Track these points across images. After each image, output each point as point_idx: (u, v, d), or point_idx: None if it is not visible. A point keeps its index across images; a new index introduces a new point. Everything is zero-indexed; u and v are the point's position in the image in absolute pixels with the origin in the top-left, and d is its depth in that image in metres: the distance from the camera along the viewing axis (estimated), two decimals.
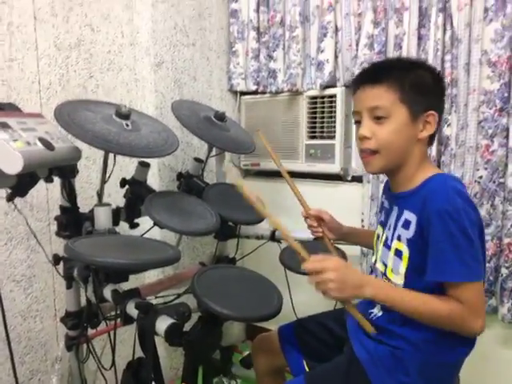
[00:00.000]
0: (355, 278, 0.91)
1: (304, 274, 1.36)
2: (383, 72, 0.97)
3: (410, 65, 1.00)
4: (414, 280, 0.95)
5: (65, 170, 1.18)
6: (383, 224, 1.08)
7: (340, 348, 1.13)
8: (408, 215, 0.96)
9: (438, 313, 0.90)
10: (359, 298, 0.92)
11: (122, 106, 1.26)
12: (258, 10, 2.01)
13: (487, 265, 1.54)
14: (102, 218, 1.19)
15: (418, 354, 0.95)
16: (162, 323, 0.99)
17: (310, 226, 1.28)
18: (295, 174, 2.08)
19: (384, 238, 1.05)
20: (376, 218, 1.70)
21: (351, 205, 1.87)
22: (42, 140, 1.01)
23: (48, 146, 1.01)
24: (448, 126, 1.58)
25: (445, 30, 1.55)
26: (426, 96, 0.96)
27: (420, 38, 1.61)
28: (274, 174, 2.16)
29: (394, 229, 1.00)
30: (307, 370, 1.20)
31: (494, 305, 1.56)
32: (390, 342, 0.98)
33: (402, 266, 0.96)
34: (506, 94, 1.46)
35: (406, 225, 0.96)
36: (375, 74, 0.98)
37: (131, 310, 1.06)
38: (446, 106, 1.59)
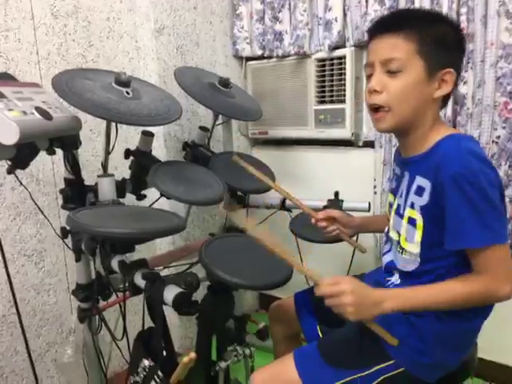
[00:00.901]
0: (371, 297, 0.88)
1: (314, 241, 1.35)
2: (403, 20, 0.91)
3: (432, 17, 0.94)
4: (430, 248, 0.91)
5: (66, 141, 1.15)
6: (394, 192, 1.04)
7: None
8: (421, 181, 0.91)
9: (461, 296, 0.86)
10: (379, 314, 0.88)
11: (122, 74, 1.22)
12: None
13: None
14: (106, 189, 1.16)
15: (436, 322, 0.93)
16: (170, 293, 0.98)
17: (323, 229, 1.25)
18: (304, 141, 2.04)
19: (396, 205, 1.01)
20: (389, 184, 1.65)
21: (363, 171, 1.82)
22: (38, 109, 0.98)
23: (45, 115, 0.98)
24: (464, 83, 1.51)
25: None
26: (446, 52, 0.89)
27: None
28: (283, 143, 2.11)
29: (407, 196, 0.96)
30: (320, 335, 1.19)
31: None
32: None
33: (418, 235, 0.92)
34: None
35: (419, 191, 0.91)
36: (393, 21, 0.92)
37: (139, 280, 1.05)
38: None
